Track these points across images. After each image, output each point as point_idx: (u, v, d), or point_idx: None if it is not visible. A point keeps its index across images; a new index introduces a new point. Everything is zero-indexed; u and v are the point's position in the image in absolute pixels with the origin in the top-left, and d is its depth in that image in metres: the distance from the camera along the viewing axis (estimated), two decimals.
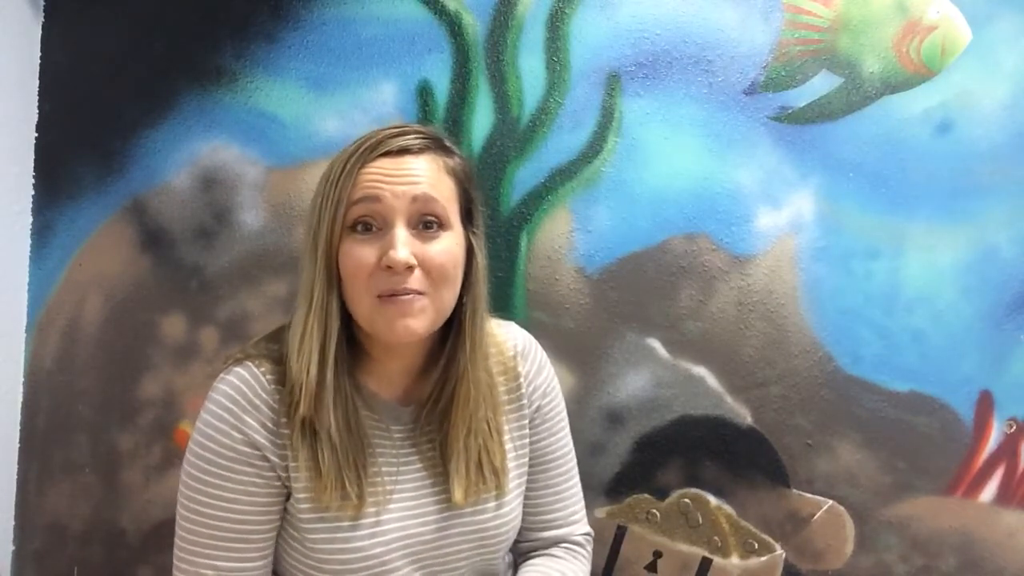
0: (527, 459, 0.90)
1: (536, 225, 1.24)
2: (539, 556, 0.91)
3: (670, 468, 1.24)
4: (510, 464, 0.86)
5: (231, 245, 1.28)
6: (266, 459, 0.75)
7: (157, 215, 1.29)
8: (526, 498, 0.91)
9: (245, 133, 1.27)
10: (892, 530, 1.21)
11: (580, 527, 0.96)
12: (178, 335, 1.29)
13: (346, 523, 0.76)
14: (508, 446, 0.87)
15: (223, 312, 1.28)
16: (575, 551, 0.93)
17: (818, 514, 1.22)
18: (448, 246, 0.77)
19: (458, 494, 0.80)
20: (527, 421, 0.90)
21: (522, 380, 0.90)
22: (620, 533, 1.25)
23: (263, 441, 0.75)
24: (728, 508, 1.23)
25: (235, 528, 0.75)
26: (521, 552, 0.94)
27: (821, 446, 1.21)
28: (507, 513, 0.85)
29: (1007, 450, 1.19)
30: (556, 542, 0.93)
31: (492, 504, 0.84)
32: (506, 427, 0.87)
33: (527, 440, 0.90)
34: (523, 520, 0.90)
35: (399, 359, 0.82)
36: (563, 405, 0.95)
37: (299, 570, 0.78)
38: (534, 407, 0.91)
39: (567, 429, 0.96)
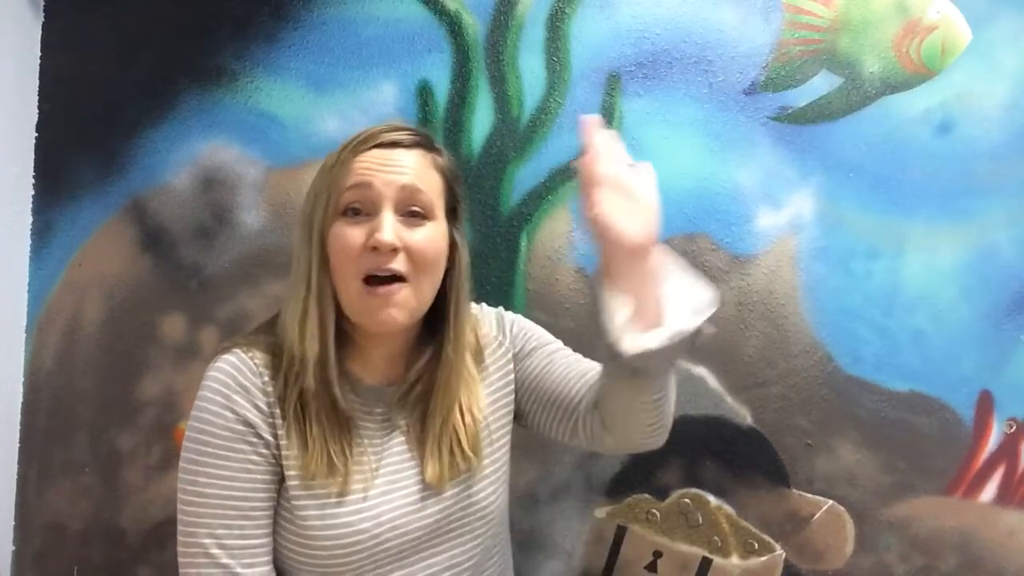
0: (507, 440, 0.93)
1: (536, 225, 1.24)
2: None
3: (670, 468, 1.24)
4: (483, 444, 0.88)
5: (231, 245, 1.28)
6: (260, 436, 0.78)
7: (157, 215, 1.29)
8: (560, 389, 0.90)
9: (245, 133, 1.27)
10: (892, 530, 1.21)
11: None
12: (178, 335, 1.29)
13: (334, 499, 0.79)
14: (484, 430, 0.89)
15: (223, 312, 1.28)
16: None
17: (818, 514, 1.22)
18: (432, 235, 0.81)
19: (430, 473, 0.83)
20: (509, 390, 0.93)
21: (496, 334, 0.93)
22: (620, 533, 1.25)
23: (255, 419, 0.78)
24: (728, 508, 1.23)
25: (237, 506, 0.77)
26: (584, 408, 0.90)
27: (821, 446, 1.21)
28: (482, 490, 0.87)
29: (1007, 450, 1.19)
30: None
31: (464, 484, 0.86)
32: (480, 411, 0.90)
33: (507, 409, 0.93)
34: (567, 398, 0.90)
35: (383, 346, 0.85)
36: (538, 329, 0.96)
37: (293, 551, 0.80)
38: (529, 354, 0.93)
39: (552, 338, 0.96)
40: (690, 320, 0.70)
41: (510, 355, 0.94)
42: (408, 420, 0.86)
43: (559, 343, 0.98)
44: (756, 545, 1.22)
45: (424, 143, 0.84)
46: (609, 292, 0.71)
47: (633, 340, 0.70)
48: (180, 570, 0.77)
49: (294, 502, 0.78)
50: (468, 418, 0.87)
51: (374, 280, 0.78)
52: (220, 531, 0.76)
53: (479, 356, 0.92)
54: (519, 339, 0.95)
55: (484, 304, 0.98)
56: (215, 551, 0.76)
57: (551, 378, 0.92)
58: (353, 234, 0.78)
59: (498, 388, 0.92)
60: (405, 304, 0.79)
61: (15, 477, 1.32)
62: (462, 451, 0.85)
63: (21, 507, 1.32)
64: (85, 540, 1.31)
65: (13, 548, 1.32)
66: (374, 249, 0.77)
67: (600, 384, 0.84)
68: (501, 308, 0.98)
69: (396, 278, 0.78)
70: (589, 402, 0.88)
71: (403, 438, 0.85)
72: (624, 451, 0.96)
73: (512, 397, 0.94)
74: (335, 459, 0.79)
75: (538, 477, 1.24)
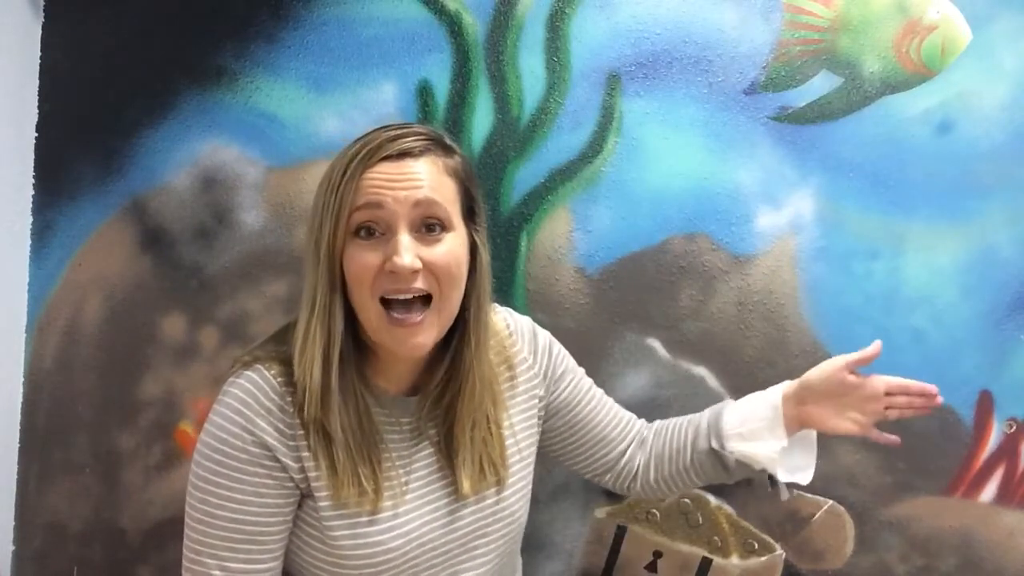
0: (533, 445, 0.92)
1: (536, 225, 1.24)
2: (650, 431, 1.02)
3: None
4: (511, 456, 0.88)
5: (231, 245, 1.28)
6: (277, 460, 0.76)
7: (157, 215, 1.29)
8: (595, 439, 0.98)
9: (245, 133, 1.27)
10: (892, 530, 1.21)
11: (639, 422, 1.03)
12: (178, 335, 1.29)
13: (365, 518, 0.77)
14: (509, 440, 0.88)
15: (223, 312, 1.28)
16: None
17: (818, 514, 1.21)
18: (451, 247, 0.77)
19: (466, 486, 0.82)
20: (536, 400, 0.92)
21: (524, 354, 0.93)
22: (620, 533, 1.25)
23: (275, 443, 0.75)
24: (728, 508, 1.23)
25: (246, 530, 0.75)
26: (623, 469, 1.00)
27: (821, 446, 1.21)
28: (510, 505, 0.87)
29: (1007, 450, 1.19)
30: (637, 440, 1.01)
31: (493, 497, 0.85)
32: (507, 420, 0.89)
33: (535, 421, 0.92)
34: (605, 451, 0.99)
35: (406, 359, 0.83)
36: (569, 356, 1.00)
37: (321, 569, 0.79)
38: (549, 367, 0.94)
39: (581, 370, 1.01)
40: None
41: (539, 379, 0.93)
42: (438, 430, 0.84)
43: (583, 372, 1.00)
44: (756, 545, 1.22)
45: (434, 147, 0.79)
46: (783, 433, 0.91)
47: (788, 475, 0.92)
48: None
49: (325, 522, 0.77)
50: (496, 430, 0.86)
51: (397, 305, 0.75)
52: (226, 554, 0.75)
53: (511, 370, 0.91)
54: (550, 363, 0.95)
55: (514, 312, 0.98)
56: (218, 574, 0.75)
57: (589, 423, 0.98)
58: (368, 258, 0.75)
59: (526, 408, 0.91)
60: (432, 328, 0.77)
61: (15, 477, 1.32)
62: (492, 465, 0.84)
63: (21, 507, 1.32)
64: (85, 540, 1.31)
65: (13, 548, 1.32)
66: (392, 272, 0.74)
67: (681, 464, 0.97)
68: (535, 324, 0.97)
69: (418, 299, 0.76)
70: (634, 464, 0.99)
71: (432, 449, 0.84)
72: (633, 496, 1.07)
73: (538, 418, 0.93)
74: (364, 482, 0.77)
75: (538, 477, 1.23)
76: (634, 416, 1.03)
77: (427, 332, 0.76)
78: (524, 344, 0.94)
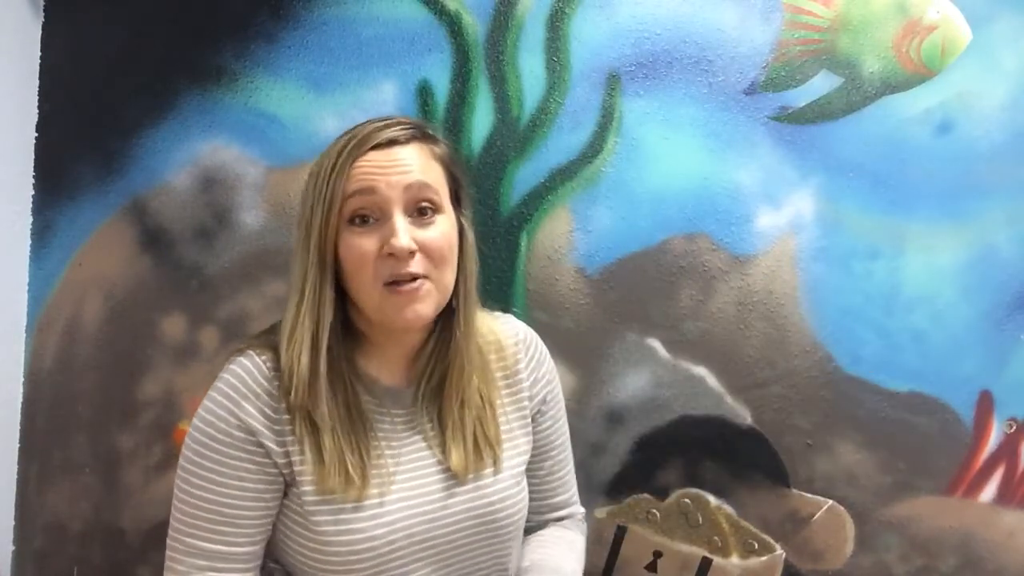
0: (529, 445, 0.92)
1: (536, 225, 1.24)
2: (539, 531, 0.97)
3: (670, 468, 1.24)
4: (504, 441, 0.88)
5: (231, 245, 1.28)
6: (261, 445, 0.77)
7: (157, 215, 1.29)
8: (531, 485, 0.93)
9: (245, 133, 1.27)
10: (892, 530, 1.21)
11: (576, 508, 1.01)
12: (178, 335, 1.29)
13: (350, 506, 0.78)
14: (503, 424, 0.88)
15: (223, 312, 1.28)
16: (569, 524, 0.99)
17: (818, 514, 1.22)
18: (444, 229, 0.80)
19: (455, 459, 0.82)
20: (527, 411, 0.92)
21: (522, 366, 0.92)
22: (620, 533, 1.25)
23: (260, 427, 0.77)
24: (728, 508, 1.23)
25: (224, 512, 0.76)
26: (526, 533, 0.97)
27: (821, 446, 1.21)
28: (506, 488, 0.85)
29: (1007, 450, 1.19)
30: (558, 521, 0.99)
31: (490, 479, 0.85)
32: (500, 408, 0.89)
33: (528, 426, 0.92)
34: (536, 497, 0.94)
35: (400, 344, 0.84)
36: (561, 394, 0.99)
37: (306, 556, 0.79)
38: (540, 397, 0.93)
39: (565, 416, 0.99)
40: None
41: (527, 393, 0.92)
42: (431, 416, 0.85)
43: (565, 418, 0.98)
44: (756, 545, 1.22)
45: (420, 135, 0.82)
46: None
47: None
48: (165, 564, 0.78)
49: (308, 507, 0.77)
50: (491, 412, 0.86)
51: (396, 286, 0.77)
52: (204, 535, 0.76)
53: (508, 378, 0.91)
54: (545, 390, 0.94)
55: (535, 333, 0.96)
56: (196, 554, 0.76)
57: (542, 460, 0.95)
58: (366, 243, 0.76)
59: (521, 416, 0.91)
60: (430, 298, 0.78)
61: (15, 477, 1.32)
62: (489, 444, 0.84)
63: (21, 507, 1.32)
64: (85, 540, 1.31)
65: (13, 548, 1.32)
66: (390, 255, 0.76)
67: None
68: (548, 353, 0.97)
69: (417, 277, 0.77)
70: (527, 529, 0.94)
71: (424, 442, 0.84)
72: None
73: (530, 426, 0.93)
74: (352, 471, 0.77)
75: None
76: (576, 495, 1.01)
77: (426, 301, 0.78)
78: (527, 360, 0.93)
